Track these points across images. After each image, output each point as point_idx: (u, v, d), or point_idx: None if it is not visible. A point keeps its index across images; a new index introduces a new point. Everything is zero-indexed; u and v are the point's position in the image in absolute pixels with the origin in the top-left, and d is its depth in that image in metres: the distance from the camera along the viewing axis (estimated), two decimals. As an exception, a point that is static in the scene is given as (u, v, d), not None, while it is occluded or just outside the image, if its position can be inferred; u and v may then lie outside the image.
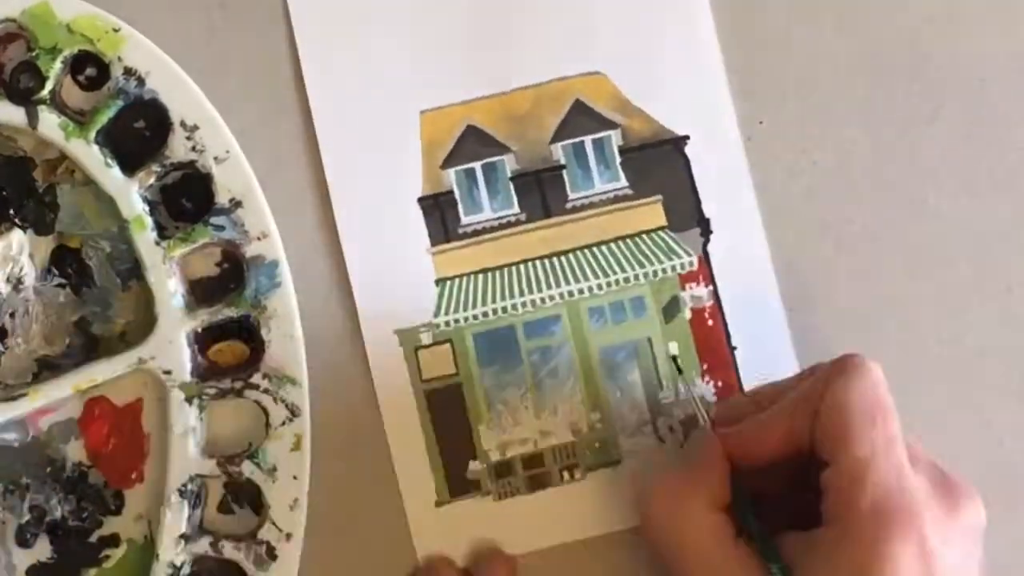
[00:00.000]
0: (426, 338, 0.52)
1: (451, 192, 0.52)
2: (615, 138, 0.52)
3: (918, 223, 0.53)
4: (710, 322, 0.52)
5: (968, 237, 0.53)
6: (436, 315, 0.52)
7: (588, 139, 0.52)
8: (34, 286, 0.51)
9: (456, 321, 0.52)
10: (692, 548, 0.45)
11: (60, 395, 0.50)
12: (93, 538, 0.51)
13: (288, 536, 0.50)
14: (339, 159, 0.52)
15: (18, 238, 0.50)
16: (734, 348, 0.52)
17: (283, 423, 0.50)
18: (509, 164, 0.52)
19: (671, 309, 0.52)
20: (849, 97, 0.53)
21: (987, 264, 0.53)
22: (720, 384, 0.52)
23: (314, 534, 0.50)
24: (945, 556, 0.42)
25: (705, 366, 0.52)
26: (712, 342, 0.52)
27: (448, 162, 0.52)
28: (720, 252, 0.52)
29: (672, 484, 0.46)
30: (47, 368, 0.51)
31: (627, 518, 0.51)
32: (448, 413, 0.51)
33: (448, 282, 0.52)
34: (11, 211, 0.51)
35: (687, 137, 0.52)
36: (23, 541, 0.51)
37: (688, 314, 0.52)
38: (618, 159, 0.52)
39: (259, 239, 0.50)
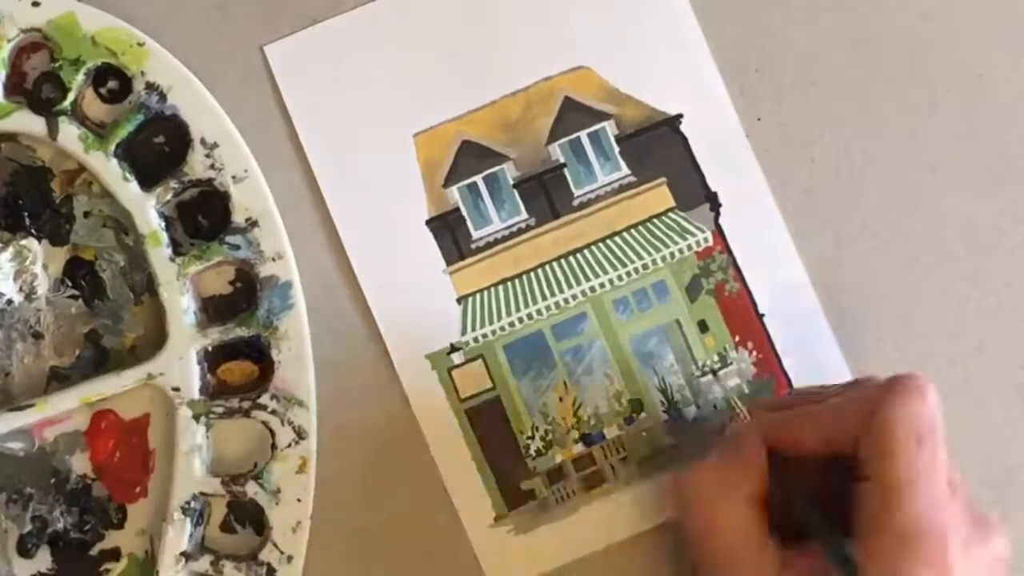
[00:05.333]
0: (457, 358, 0.52)
1: (457, 209, 0.52)
2: (609, 128, 0.53)
3: (917, 218, 0.53)
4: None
5: (967, 232, 0.53)
6: (463, 333, 0.52)
7: (583, 134, 0.53)
8: (47, 296, 0.51)
9: (484, 336, 0.52)
10: (723, 538, 0.45)
11: (67, 406, 0.50)
12: (94, 551, 0.51)
13: (289, 559, 0.50)
14: (341, 195, 0.52)
15: (33, 248, 0.50)
16: (762, 316, 0.52)
17: (289, 445, 0.50)
18: (510, 172, 0.53)
19: (694, 287, 0.52)
20: (847, 94, 0.53)
21: (986, 258, 0.53)
22: (756, 353, 0.52)
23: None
24: None
25: (737, 338, 0.52)
26: (740, 313, 0.52)
27: (449, 180, 0.52)
28: (733, 223, 0.53)
29: (709, 473, 0.46)
30: (56, 379, 0.51)
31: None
32: (491, 428, 0.52)
33: (470, 299, 0.52)
34: (27, 221, 0.51)
35: (680, 115, 0.53)
36: (24, 551, 0.50)
37: (712, 289, 0.52)
38: (616, 148, 0.53)
39: (274, 260, 0.50)
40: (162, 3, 0.51)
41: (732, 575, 0.45)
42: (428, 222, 0.52)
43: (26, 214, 0.51)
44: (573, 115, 0.53)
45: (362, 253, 0.52)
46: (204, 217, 0.51)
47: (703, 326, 0.52)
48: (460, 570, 0.51)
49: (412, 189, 0.52)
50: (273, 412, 0.50)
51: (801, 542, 0.45)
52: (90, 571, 0.51)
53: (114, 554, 0.51)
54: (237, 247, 0.50)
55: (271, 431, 0.50)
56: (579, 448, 0.52)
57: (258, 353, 0.51)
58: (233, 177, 0.50)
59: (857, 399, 0.45)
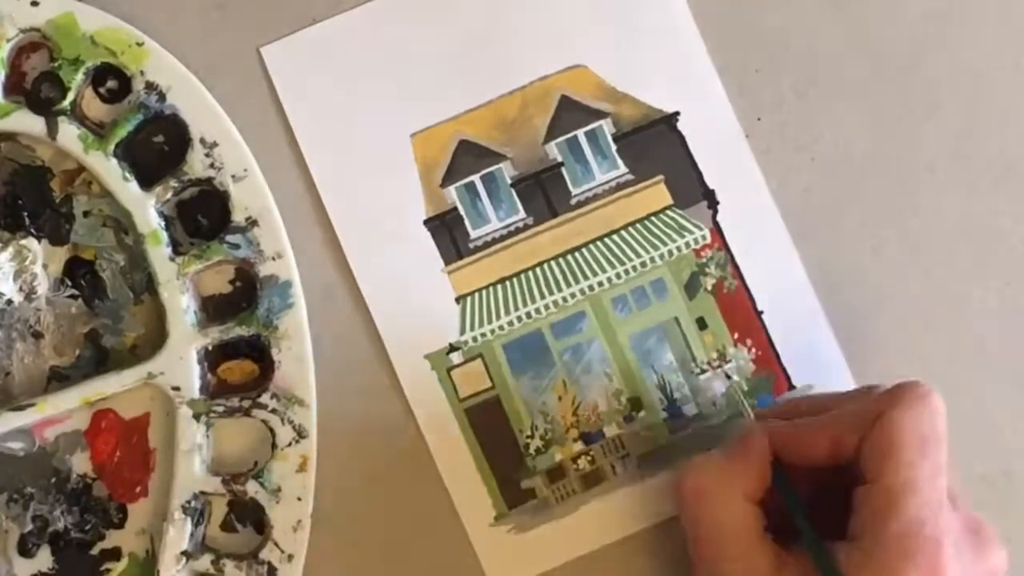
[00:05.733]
0: (456, 357, 0.52)
1: (455, 209, 0.52)
2: (607, 127, 0.53)
3: (917, 218, 0.53)
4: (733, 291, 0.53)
5: (967, 231, 0.53)
6: (462, 333, 0.52)
7: (580, 132, 0.53)
8: (47, 296, 0.51)
9: (483, 335, 0.52)
10: (719, 532, 0.45)
11: (68, 406, 0.50)
12: (95, 551, 0.51)
13: (290, 557, 0.50)
14: (339, 196, 0.52)
15: (33, 248, 0.50)
16: (761, 312, 0.52)
17: (289, 444, 0.50)
18: (507, 171, 0.52)
19: (692, 285, 0.52)
20: (847, 94, 0.53)
21: (986, 258, 0.53)
22: (755, 350, 0.52)
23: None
24: None
25: (736, 335, 0.52)
26: (738, 310, 0.52)
27: (447, 180, 0.52)
28: (730, 220, 0.53)
29: (711, 467, 0.46)
30: (56, 379, 0.51)
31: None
32: (491, 427, 0.52)
33: (468, 298, 0.52)
34: (27, 220, 0.51)
35: (677, 113, 0.53)
36: (25, 551, 0.50)
37: (710, 287, 0.52)
38: (613, 147, 0.53)
39: (273, 259, 0.50)
40: (162, 3, 0.51)
41: (726, 568, 0.45)
42: (426, 222, 0.52)
43: (26, 214, 0.51)
44: (570, 114, 0.53)
45: (360, 253, 0.52)
46: (204, 216, 0.51)
47: (702, 323, 0.52)
48: (460, 570, 0.51)
49: (410, 189, 0.52)
50: (273, 411, 0.50)
51: (797, 546, 0.45)
52: (91, 571, 0.51)
53: (115, 553, 0.51)
54: (237, 246, 0.50)
55: (271, 430, 0.50)
56: (579, 447, 0.52)
57: (258, 352, 0.51)
58: (232, 176, 0.50)
59: (863, 403, 0.45)
